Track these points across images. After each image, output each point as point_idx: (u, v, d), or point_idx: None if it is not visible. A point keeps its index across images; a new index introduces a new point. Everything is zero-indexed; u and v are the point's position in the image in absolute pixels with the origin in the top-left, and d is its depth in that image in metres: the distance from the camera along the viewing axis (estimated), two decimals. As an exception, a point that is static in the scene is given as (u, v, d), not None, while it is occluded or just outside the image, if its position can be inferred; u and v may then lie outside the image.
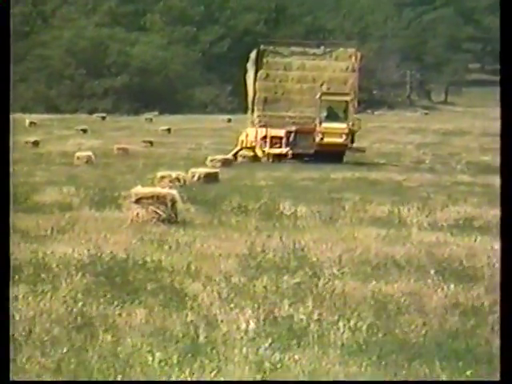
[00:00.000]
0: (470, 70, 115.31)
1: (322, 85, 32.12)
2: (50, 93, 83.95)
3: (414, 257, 10.82)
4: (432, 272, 9.78)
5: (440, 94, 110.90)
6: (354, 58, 32.82)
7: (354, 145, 31.24)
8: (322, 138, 30.08)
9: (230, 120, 61.86)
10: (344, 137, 30.17)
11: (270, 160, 29.97)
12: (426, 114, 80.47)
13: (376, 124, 50.23)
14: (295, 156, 30.14)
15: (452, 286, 9.12)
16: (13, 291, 8.46)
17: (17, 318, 7.60)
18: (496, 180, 23.50)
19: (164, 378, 6.34)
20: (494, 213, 15.21)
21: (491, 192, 20.28)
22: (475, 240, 12.07)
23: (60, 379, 6.32)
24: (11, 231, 11.84)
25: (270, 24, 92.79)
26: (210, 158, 27.48)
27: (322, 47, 33.78)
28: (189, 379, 6.33)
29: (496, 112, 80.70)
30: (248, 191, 18.60)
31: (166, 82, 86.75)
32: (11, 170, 20.07)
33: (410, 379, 6.45)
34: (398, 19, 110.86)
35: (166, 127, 50.32)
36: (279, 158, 30.11)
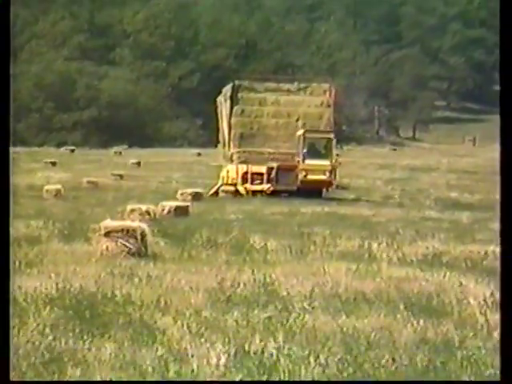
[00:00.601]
0: (436, 107, 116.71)
1: (297, 120, 32.16)
2: (17, 126, 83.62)
3: (384, 291, 10.85)
4: (401, 307, 9.80)
5: (408, 130, 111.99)
6: (328, 93, 32.89)
7: (337, 181, 31.31)
8: (305, 175, 29.98)
9: (199, 154, 61.98)
10: (327, 174, 30.17)
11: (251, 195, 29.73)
12: (394, 149, 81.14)
13: (345, 159, 50.46)
14: (277, 193, 29.89)
15: (421, 321, 9.15)
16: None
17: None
18: (462, 216, 23.72)
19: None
20: (462, 248, 15.32)
21: (458, 228, 20.44)
22: (444, 275, 12.13)
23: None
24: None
25: (239, 59, 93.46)
26: (180, 191, 27.46)
27: (296, 83, 33.73)
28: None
29: (461, 149, 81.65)
30: (218, 225, 18.58)
31: (136, 115, 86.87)
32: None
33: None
34: (366, 57, 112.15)
35: (136, 160, 50.29)
36: (260, 194, 29.86)
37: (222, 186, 31.01)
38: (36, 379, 6.91)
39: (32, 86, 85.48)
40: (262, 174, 30.53)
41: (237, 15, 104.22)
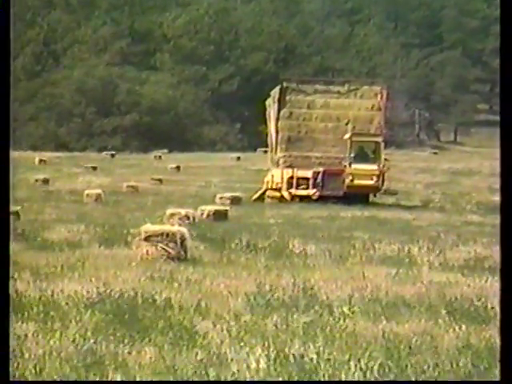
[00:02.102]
0: (478, 110, 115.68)
1: (347, 123, 31.15)
2: (59, 131, 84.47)
3: (425, 296, 10.76)
4: (443, 312, 9.71)
5: (449, 133, 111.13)
6: (379, 96, 31.92)
7: (385, 187, 30.48)
8: (352, 180, 29.15)
9: (239, 158, 62.01)
10: (375, 179, 29.31)
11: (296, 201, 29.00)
12: (435, 153, 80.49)
13: (389, 163, 50.19)
14: (323, 198, 29.10)
15: (464, 326, 9.05)
16: (22, 329, 8.44)
17: (26, 356, 7.56)
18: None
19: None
20: (505, 253, 15.13)
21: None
22: (486, 280, 12.00)
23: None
24: (19, 268, 11.84)
25: (279, 63, 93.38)
26: (219, 195, 27.49)
27: (347, 85, 32.70)
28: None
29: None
30: (257, 229, 18.58)
31: (176, 120, 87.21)
32: (20, 207, 20.06)
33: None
34: (406, 60, 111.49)
35: (176, 165, 50.46)
36: (306, 199, 29.13)
37: (266, 190, 30.38)
38: (73, 379, 6.94)
39: (74, 91, 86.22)
40: (307, 179, 29.83)
41: (276, 19, 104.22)
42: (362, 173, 29.25)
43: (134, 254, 13.56)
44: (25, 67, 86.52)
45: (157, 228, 13.85)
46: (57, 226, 17.66)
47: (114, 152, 68.54)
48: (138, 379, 7.07)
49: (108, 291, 10.43)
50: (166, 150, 72.31)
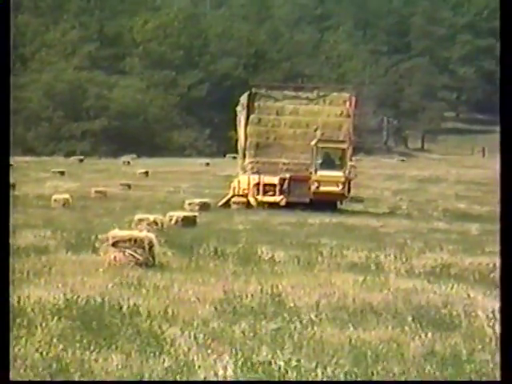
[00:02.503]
0: (445, 118, 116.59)
1: (315, 130, 31.17)
2: (27, 135, 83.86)
3: (392, 303, 10.82)
4: (409, 319, 9.77)
5: (416, 141, 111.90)
6: (348, 102, 31.82)
7: (352, 194, 30.45)
8: (317, 187, 29.09)
9: (208, 164, 61.97)
10: (341, 186, 29.22)
11: (265, 207, 28.79)
12: (403, 160, 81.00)
13: (356, 170, 50.48)
14: (289, 204, 29.00)
15: (429, 333, 9.12)
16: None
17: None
18: (471, 227, 23.66)
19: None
20: (470, 260, 15.27)
21: (467, 239, 20.38)
22: (451, 288, 12.09)
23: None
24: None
25: (248, 69, 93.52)
26: (187, 201, 27.44)
27: (316, 91, 32.57)
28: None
29: (470, 160, 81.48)
30: (225, 235, 18.57)
31: (145, 125, 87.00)
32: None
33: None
34: (375, 67, 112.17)
35: (144, 170, 50.30)
36: (273, 206, 28.98)
37: (232, 196, 30.25)
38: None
39: (42, 95, 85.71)
40: (274, 185, 29.78)
41: (246, 25, 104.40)
42: (327, 179, 29.23)
43: (102, 260, 13.50)
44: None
45: (125, 234, 13.80)
46: (23, 232, 17.54)
47: (82, 157, 68.21)
48: (104, 386, 7.05)
49: (75, 298, 10.37)
50: (134, 155, 72.09)
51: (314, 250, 16.36)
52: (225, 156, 67.12)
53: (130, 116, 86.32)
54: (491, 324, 9.54)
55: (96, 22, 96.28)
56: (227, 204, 29.90)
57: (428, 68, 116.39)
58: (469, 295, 11.33)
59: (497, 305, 10.41)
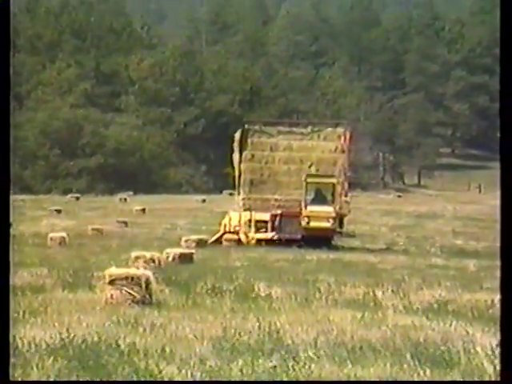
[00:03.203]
0: (440, 154, 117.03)
1: (310, 166, 31.08)
2: (23, 173, 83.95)
3: (390, 340, 10.76)
4: (408, 356, 9.72)
5: (413, 176, 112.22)
6: (343, 138, 31.62)
7: (345, 229, 30.16)
8: (308, 222, 28.84)
9: (204, 200, 61.99)
10: (331, 221, 28.95)
11: (256, 245, 28.60)
12: (399, 196, 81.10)
13: (350, 205, 50.56)
14: (282, 241, 28.81)
15: (428, 370, 9.06)
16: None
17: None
18: (469, 264, 23.62)
19: None
20: (468, 297, 15.23)
21: (465, 276, 20.34)
22: (450, 324, 12.04)
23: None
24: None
25: (244, 106, 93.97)
26: (184, 238, 27.40)
27: (310, 127, 32.44)
28: None
29: (467, 196, 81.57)
30: (223, 272, 18.52)
31: (141, 162, 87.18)
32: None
33: None
34: (370, 103, 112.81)
35: (141, 207, 50.31)
36: (265, 243, 28.73)
37: (224, 234, 29.95)
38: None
39: (38, 133, 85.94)
40: (266, 222, 29.56)
41: (242, 62, 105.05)
42: (317, 215, 28.96)
43: (99, 298, 13.43)
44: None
45: (121, 271, 13.74)
46: (19, 270, 17.47)
47: (78, 195, 68.23)
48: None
49: (71, 337, 10.31)
50: (131, 192, 72.15)
51: (312, 286, 16.31)
52: (221, 192, 67.19)
53: (127, 153, 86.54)
54: (490, 361, 9.48)
55: (92, 60, 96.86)
56: (218, 241, 29.57)
57: (423, 104, 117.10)
58: (467, 332, 11.28)
59: (495, 341, 10.36)
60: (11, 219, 38.87)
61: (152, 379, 8.45)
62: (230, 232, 29.88)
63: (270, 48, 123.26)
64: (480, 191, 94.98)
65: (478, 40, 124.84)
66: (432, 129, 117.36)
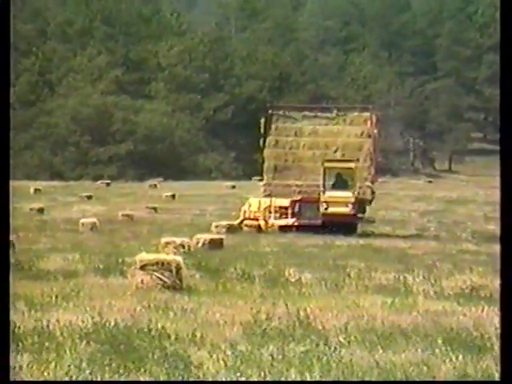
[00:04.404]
0: (472, 139, 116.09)
1: (335, 151, 30.39)
2: (54, 160, 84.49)
3: (421, 326, 10.73)
4: (439, 342, 9.67)
5: (444, 162, 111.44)
6: (369, 122, 30.80)
7: (365, 215, 29.45)
8: (326, 208, 28.29)
9: (234, 186, 62.02)
10: (350, 206, 28.34)
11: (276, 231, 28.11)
12: (430, 181, 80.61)
13: (380, 191, 50.37)
14: (302, 227, 28.23)
15: (460, 356, 9.02)
16: (16, 360, 8.39)
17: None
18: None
19: None
20: (500, 282, 15.12)
21: (496, 261, 20.20)
22: (482, 310, 11.97)
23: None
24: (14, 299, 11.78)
25: (273, 92, 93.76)
26: (214, 223, 27.44)
27: (335, 111, 31.56)
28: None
29: (498, 181, 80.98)
30: (253, 258, 18.54)
31: (171, 148, 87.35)
32: (15, 236, 20.01)
33: None
34: (401, 88, 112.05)
35: (171, 193, 50.44)
36: (285, 229, 28.23)
37: (244, 220, 29.35)
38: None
39: (69, 120, 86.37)
40: (286, 208, 28.99)
41: (271, 48, 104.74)
42: (336, 200, 28.34)
43: (129, 284, 13.51)
44: (20, 97, 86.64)
45: (152, 257, 13.81)
46: (52, 256, 17.61)
47: (109, 181, 68.55)
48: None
49: (103, 321, 10.38)
50: (161, 179, 72.36)
51: (342, 271, 16.29)
52: (250, 179, 67.15)
53: (156, 140, 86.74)
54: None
55: (122, 48, 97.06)
56: (239, 227, 29.11)
57: (454, 89, 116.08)
58: (499, 317, 11.20)
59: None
60: (43, 205, 39.03)
61: (183, 363, 8.49)
62: (249, 218, 29.35)
63: (299, 34, 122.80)
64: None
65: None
66: (463, 114, 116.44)
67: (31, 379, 7.80)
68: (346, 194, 28.63)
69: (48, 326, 10.09)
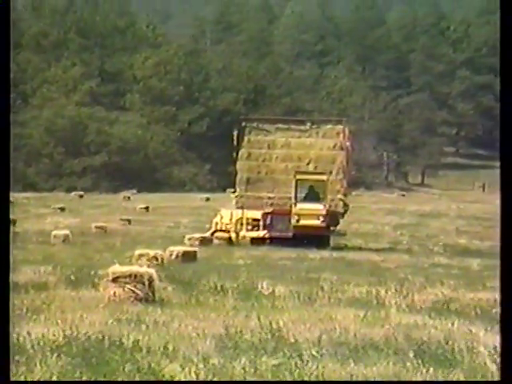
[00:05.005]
0: (445, 153, 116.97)
1: (308, 163, 30.43)
2: (28, 171, 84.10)
3: (393, 339, 10.76)
4: (411, 355, 9.71)
5: (417, 175, 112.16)
6: (342, 135, 30.88)
7: (336, 228, 29.50)
8: (297, 220, 28.35)
9: (208, 199, 62.01)
10: (321, 218, 28.38)
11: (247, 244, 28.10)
12: (403, 195, 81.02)
13: (354, 204, 50.56)
14: (273, 240, 28.26)
15: (431, 369, 9.06)
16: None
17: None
18: (472, 263, 23.60)
19: None
20: (471, 296, 15.22)
21: (468, 275, 20.33)
22: (453, 323, 12.03)
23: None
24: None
25: (248, 104, 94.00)
26: (187, 236, 27.40)
27: (308, 124, 31.63)
28: None
29: (471, 195, 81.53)
30: (226, 270, 18.52)
31: (145, 160, 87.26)
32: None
33: None
34: (375, 102, 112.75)
35: (145, 205, 50.35)
36: (258, 242, 28.18)
37: (215, 232, 29.30)
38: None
39: (43, 131, 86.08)
40: (258, 220, 29.00)
41: (246, 60, 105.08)
42: (307, 213, 28.38)
43: (102, 296, 13.44)
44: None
45: (125, 269, 13.75)
46: (23, 268, 17.49)
47: (82, 193, 68.28)
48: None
49: (74, 334, 10.32)
50: (135, 191, 72.22)
51: (315, 284, 16.31)
52: (225, 191, 67.17)
53: (131, 151, 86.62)
54: (493, 360, 9.48)
55: (97, 59, 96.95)
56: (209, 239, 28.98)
57: (427, 103, 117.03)
58: (470, 331, 11.27)
59: (498, 340, 10.35)
60: (15, 217, 38.76)
61: (154, 377, 8.46)
62: (221, 230, 29.27)
63: (274, 47, 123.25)
64: (484, 190, 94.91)
65: (483, 40, 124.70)
66: (437, 128, 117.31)
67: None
68: (318, 207, 28.59)
69: (18, 340, 10.02)
